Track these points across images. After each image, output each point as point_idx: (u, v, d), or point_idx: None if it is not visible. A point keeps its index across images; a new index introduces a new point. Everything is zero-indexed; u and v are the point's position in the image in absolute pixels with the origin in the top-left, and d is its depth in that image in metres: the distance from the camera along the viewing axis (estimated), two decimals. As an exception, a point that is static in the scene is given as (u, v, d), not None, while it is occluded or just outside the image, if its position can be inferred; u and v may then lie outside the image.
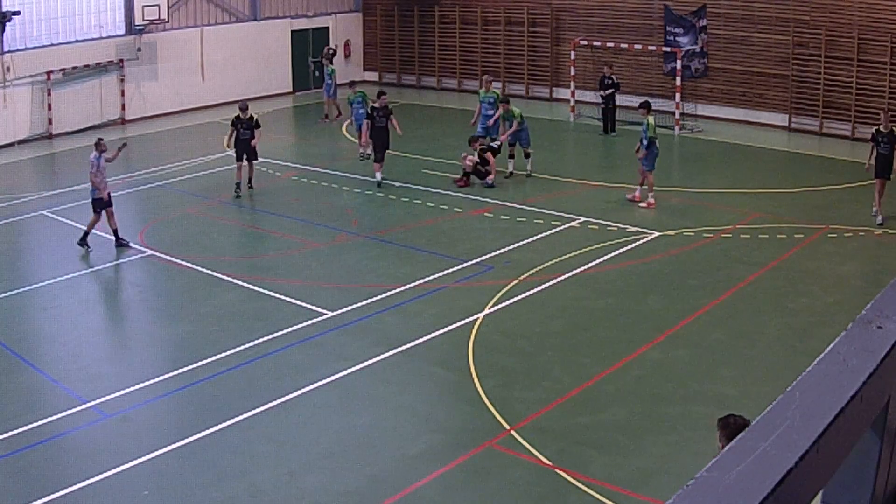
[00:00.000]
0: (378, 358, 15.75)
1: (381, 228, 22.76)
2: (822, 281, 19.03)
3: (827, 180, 25.14)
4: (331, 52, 37.56)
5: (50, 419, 13.90)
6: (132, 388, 14.84)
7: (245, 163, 25.83)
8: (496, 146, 26.14)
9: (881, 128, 22.20)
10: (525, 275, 19.35)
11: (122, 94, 35.85)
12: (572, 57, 35.54)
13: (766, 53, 32.68)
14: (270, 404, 14.26)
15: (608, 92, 32.30)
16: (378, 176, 26.19)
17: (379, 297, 18.42)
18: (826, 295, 18.28)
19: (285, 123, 36.20)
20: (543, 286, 18.82)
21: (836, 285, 18.76)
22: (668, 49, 34.11)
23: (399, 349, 16.09)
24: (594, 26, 36.50)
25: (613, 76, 32.65)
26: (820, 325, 16.55)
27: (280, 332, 16.81)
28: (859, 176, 25.82)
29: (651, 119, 23.87)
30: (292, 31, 41.26)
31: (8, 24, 32.09)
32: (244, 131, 25.80)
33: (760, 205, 23.70)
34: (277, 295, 18.64)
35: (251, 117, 26.04)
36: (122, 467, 12.55)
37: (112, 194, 21.51)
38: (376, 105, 26.82)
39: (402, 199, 24.80)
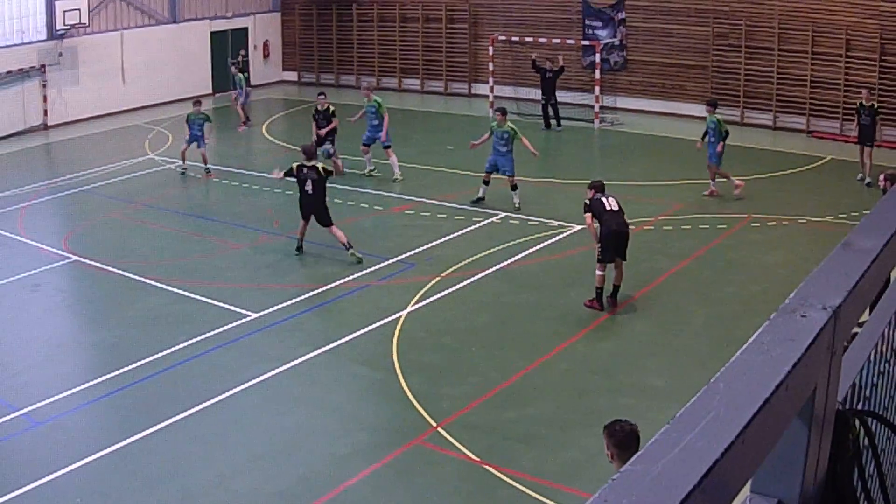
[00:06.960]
0: (304, 358, 15.68)
1: (304, 228, 22.58)
2: (746, 270, 19.25)
3: (749, 170, 25.41)
4: (240, 59, 37.56)
5: (-25, 430, 13.66)
6: (62, 395, 14.65)
7: None
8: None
9: (863, 101, 25.17)
10: (447, 271, 19.35)
11: (45, 99, 35.33)
12: (491, 52, 35.63)
13: (686, 45, 33.02)
14: (199, 407, 14.14)
15: (550, 75, 32.27)
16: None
17: (302, 297, 18.35)
18: (751, 284, 18.49)
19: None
20: (466, 282, 18.83)
21: (760, 274, 18.98)
22: (586, 43, 34.33)
23: (324, 349, 16.03)
24: (512, 21, 36.62)
25: (554, 68, 32.49)
26: (746, 314, 16.70)
27: (205, 335, 16.66)
28: (782, 165, 26.26)
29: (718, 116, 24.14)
30: (211, 33, 40.90)
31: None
32: None
33: (683, 196, 23.92)
34: (201, 297, 18.46)
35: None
36: (54, 475, 12.38)
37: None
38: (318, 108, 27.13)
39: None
